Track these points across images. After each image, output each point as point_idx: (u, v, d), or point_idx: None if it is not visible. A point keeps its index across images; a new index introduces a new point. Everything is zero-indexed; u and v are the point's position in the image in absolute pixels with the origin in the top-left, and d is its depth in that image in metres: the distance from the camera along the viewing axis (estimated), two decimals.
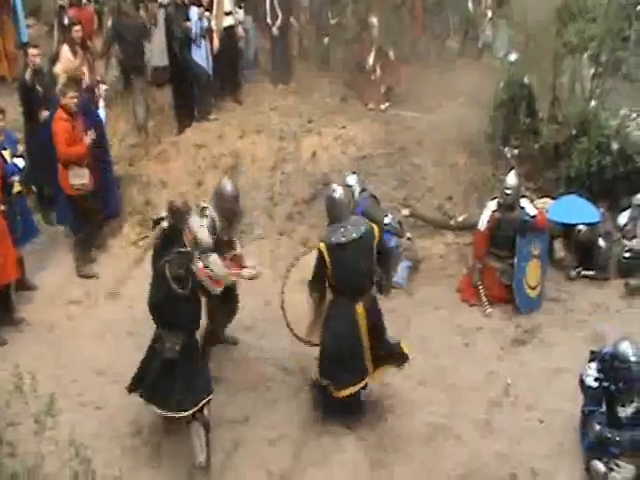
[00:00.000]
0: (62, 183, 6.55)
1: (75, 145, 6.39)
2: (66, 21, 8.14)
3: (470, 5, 9.80)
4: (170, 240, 4.52)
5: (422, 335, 6.10)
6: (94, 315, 6.32)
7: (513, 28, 9.43)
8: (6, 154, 5.96)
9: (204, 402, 4.60)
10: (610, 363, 4.45)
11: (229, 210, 5.28)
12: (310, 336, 5.15)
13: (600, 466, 4.45)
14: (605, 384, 4.45)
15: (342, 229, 4.79)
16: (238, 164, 7.97)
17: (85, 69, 7.67)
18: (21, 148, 6.17)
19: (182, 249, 4.51)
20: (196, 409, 4.57)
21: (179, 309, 4.50)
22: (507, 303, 6.48)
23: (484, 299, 6.49)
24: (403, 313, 6.43)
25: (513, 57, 8.35)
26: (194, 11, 8.22)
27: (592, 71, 7.76)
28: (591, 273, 6.84)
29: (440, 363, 5.78)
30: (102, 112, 7.20)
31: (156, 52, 8.66)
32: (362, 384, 4.99)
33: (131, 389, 4.79)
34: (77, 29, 7.62)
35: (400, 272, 6.87)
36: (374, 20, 9.08)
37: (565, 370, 5.51)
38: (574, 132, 7.33)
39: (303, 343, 5.23)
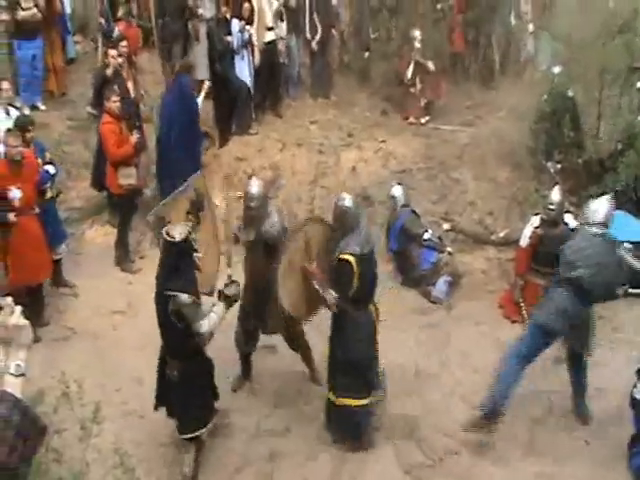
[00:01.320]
0: (110, 182, 6.88)
1: (123, 146, 6.70)
2: (115, 33, 8.37)
3: (512, 19, 9.73)
4: (181, 257, 4.18)
5: (463, 350, 6.04)
6: (135, 325, 6.39)
7: (556, 40, 9.33)
8: None
9: (200, 432, 4.59)
10: None
11: (253, 210, 4.98)
12: (297, 311, 4.94)
13: None
14: None
15: (362, 238, 4.61)
16: (278, 177, 8.06)
17: (130, 83, 7.88)
18: (48, 155, 6.33)
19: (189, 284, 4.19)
20: (192, 436, 4.58)
21: (176, 339, 4.34)
22: None
23: (526, 316, 6.38)
24: (443, 328, 6.38)
25: (557, 69, 8.23)
26: (235, 23, 8.42)
27: (638, 85, 7.64)
28: (638, 291, 6.66)
29: (481, 379, 5.69)
30: (200, 100, 8.03)
31: (199, 66, 8.82)
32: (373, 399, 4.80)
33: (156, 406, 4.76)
34: (124, 44, 7.83)
35: (440, 287, 6.83)
36: (417, 33, 9.09)
37: (610, 389, 5.39)
38: (620, 147, 7.19)
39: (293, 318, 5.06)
